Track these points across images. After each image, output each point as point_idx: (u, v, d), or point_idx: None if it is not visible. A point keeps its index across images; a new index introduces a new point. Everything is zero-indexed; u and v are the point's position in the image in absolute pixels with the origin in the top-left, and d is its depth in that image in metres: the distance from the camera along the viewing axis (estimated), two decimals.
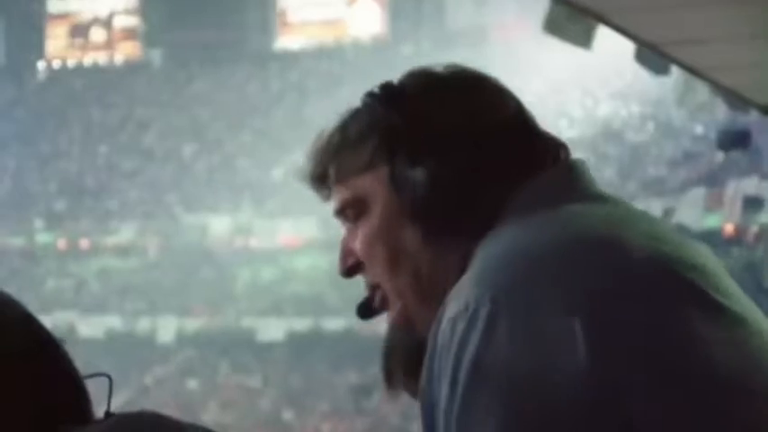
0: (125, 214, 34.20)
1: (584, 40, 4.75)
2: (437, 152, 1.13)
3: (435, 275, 1.14)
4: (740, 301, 1.09)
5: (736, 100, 6.16)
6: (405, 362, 1.66)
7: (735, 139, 12.21)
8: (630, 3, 4.42)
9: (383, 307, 1.20)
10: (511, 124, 1.16)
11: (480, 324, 1.02)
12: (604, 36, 4.78)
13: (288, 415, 27.10)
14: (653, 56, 5.17)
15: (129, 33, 41.27)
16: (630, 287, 1.03)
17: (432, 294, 1.14)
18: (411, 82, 1.19)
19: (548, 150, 1.16)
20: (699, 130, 25.30)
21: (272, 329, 29.47)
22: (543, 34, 4.96)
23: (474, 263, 1.08)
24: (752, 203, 23.23)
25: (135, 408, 1.14)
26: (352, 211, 1.18)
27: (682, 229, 24.07)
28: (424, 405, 1.09)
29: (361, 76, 38.02)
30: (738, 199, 23.67)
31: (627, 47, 5.12)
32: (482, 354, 1.01)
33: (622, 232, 1.07)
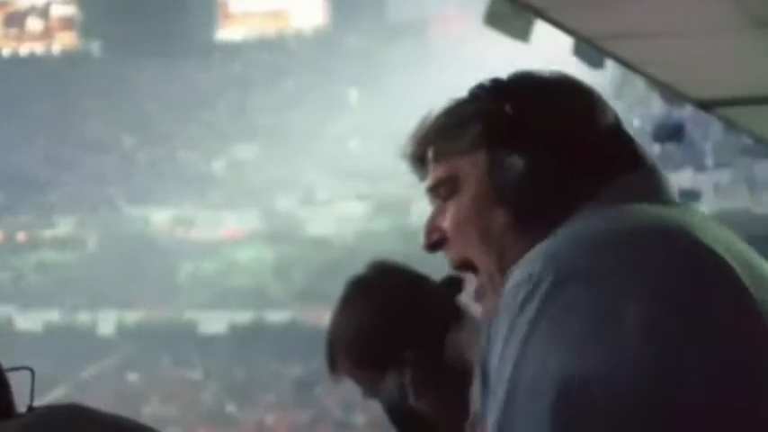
0: (65, 207, 33.76)
1: (522, 33, 4.83)
2: (535, 145, 1.21)
3: (517, 257, 1.19)
4: None
5: (671, 94, 6.30)
6: (353, 350, 1.64)
7: (669, 133, 12.45)
8: None
9: (479, 298, 1.27)
10: (607, 130, 1.24)
11: (541, 293, 1.08)
12: (545, 29, 4.87)
13: (231, 408, 27.02)
14: (590, 50, 5.27)
15: (67, 23, 40.65)
16: (695, 280, 1.07)
17: None
18: (518, 79, 1.28)
19: (634, 155, 1.24)
20: (636, 123, 25.69)
21: (215, 322, 29.33)
22: (484, 27, 5.04)
23: (544, 242, 1.15)
24: (687, 196, 23.65)
25: (73, 402, 1.14)
26: (444, 189, 1.26)
27: None
28: (482, 363, 1.14)
29: (303, 67, 37.93)
30: (675, 191, 24.08)
31: (567, 40, 5.22)
32: (538, 319, 1.07)
33: (691, 230, 1.13)
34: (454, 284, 1.28)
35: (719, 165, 23.47)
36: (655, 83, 5.96)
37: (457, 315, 1.66)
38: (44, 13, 40.93)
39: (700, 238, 1.12)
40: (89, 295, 30.98)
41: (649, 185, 1.23)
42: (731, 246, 1.14)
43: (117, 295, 30.55)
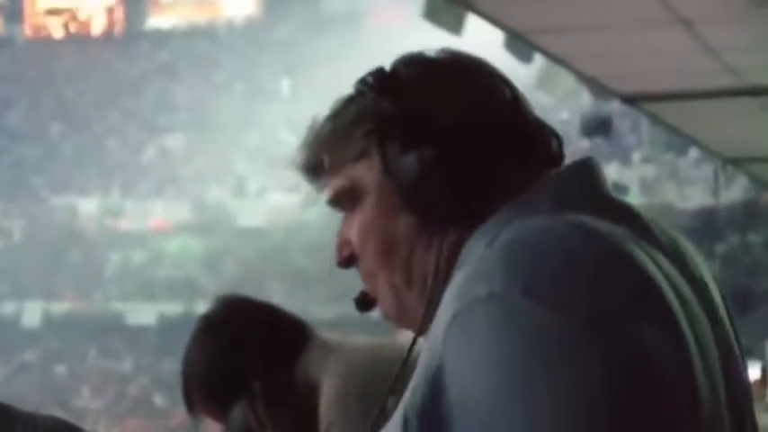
0: None
1: (455, 27, 4.88)
2: (429, 139, 1.10)
3: (424, 263, 1.11)
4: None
5: (598, 88, 6.40)
6: (204, 384, 1.65)
7: (597, 126, 12.63)
8: None
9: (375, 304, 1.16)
10: (506, 113, 1.13)
11: (506, 314, 0.98)
12: (477, 24, 4.92)
13: (159, 400, 26.77)
14: (520, 44, 5.33)
15: None
16: (651, 308, 1.00)
17: (416, 282, 1.12)
18: (404, 68, 1.16)
19: (544, 140, 1.14)
20: (564, 116, 25.99)
21: (143, 314, 29.02)
22: (417, 20, 5.07)
23: (492, 248, 1.04)
24: (614, 190, 24.00)
25: None
26: (346, 200, 1.15)
27: None
28: (416, 408, 1.02)
29: (233, 57, 37.62)
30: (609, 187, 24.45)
31: (498, 34, 5.27)
32: (507, 345, 0.97)
33: (645, 249, 1.05)
34: (366, 302, 1.17)
35: (645, 160, 23.86)
36: (582, 77, 6.04)
37: (306, 340, 1.68)
38: None
39: (649, 270, 1.03)
40: (14, 286, 30.42)
41: (586, 185, 1.12)
42: (678, 252, 1.09)
43: (43, 286, 30.05)
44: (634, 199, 23.95)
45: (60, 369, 28.61)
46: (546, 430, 0.95)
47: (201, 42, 37.29)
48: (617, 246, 1.03)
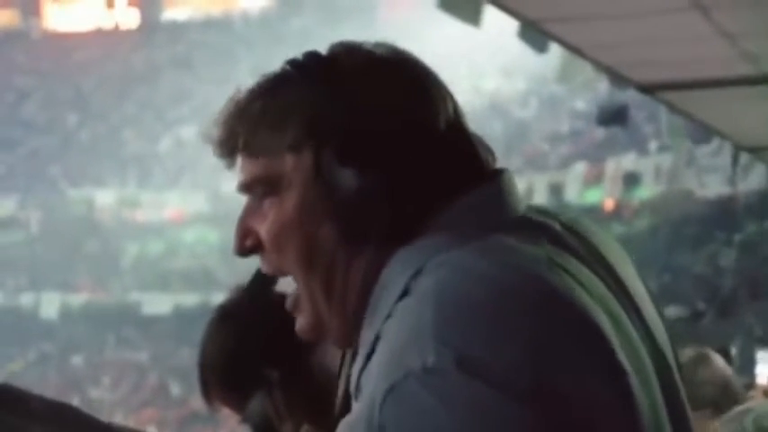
0: (5, 187, 33.22)
1: (473, 17, 4.86)
2: (369, 153, 1.03)
3: (346, 279, 1.06)
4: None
5: (615, 77, 6.36)
6: (221, 374, 1.65)
7: (613, 116, 12.57)
8: None
9: (295, 310, 1.11)
10: (447, 130, 1.07)
11: (440, 391, 0.94)
12: (492, 13, 4.90)
13: (176, 390, 26.87)
14: (535, 34, 5.31)
15: (6, 1, 39.92)
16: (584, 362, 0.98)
17: (339, 298, 1.08)
18: (346, 60, 1.08)
19: (480, 160, 1.09)
20: (581, 106, 25.91)
21: (159, 304, 29.11)
22: (431, 11, 5.05)
23: (420, 295, 1.00)
24: (630, 179, 23.94)
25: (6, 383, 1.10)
26: (262, 188, 1.08)
27: (564, 205, 24.59)
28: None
29: (248, 49, 37.63)
30: (619, 175, 24.34)
31: (513, 24, 5.25)
32: (444, 425, 0.94)
33: (570, 269, 1.02)
34: (266, 281, 1.12)
35: (663, 148, 23.75)
36: (598, 66, 6.01)
37: None
38: None
39: (584, 308, 0.99)
40: (31, 277, 30.57)
41: (498, 202, 1.06)
42: (595, 289, 1.04)
43: (60, 277, 30.19)
44: (650, 188, 23.83)
45: (77, 360, 28.75)
46: None
47: (217, 34, 37.32)
48: (548, 287, 0.99)
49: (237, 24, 37.81)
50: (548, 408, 0.94)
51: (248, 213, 1.11)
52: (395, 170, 1.04)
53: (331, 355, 1.64)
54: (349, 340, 1.09)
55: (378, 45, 1.11)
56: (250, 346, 1.66)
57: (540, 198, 23.85)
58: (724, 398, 2.54)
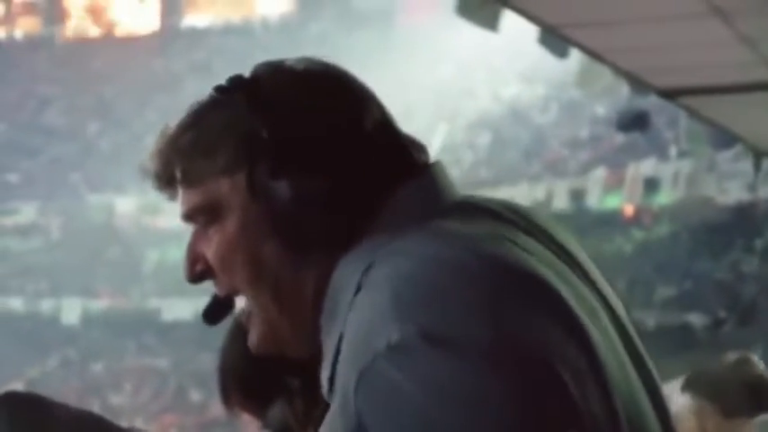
0: (27, 193, 33.44)
1: (491, 23, 4.86)
2: (300, 163, 1.06)
3: (297, 290, 1.08)
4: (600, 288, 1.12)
5: (635, 83, 6.34)
6: (242, 381, 1.65)
7: (633, 121, 12.52)
8: None
9: (248, 324, 1.14)
10: (375, 131, 1.09)
11: (408, 365, 0.96)
12: (511, 18, 4.90)
13: (196, 396, 26.93)
14: (555, 39, 5.30)
15: (29, 8, 40.20)
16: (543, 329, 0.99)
17: (293, 309, 1.09)
18: (268, 79, 1.12)
19: (412, 157, 1.11)
20: (600, 111, 25.82)
21: (179, 310, 29.21)
22: (449, 17, 5.05)
23: (375, 284, 1.02)
24: (650, 185, 23.84)
25: (36, 391, 1.12)
26: (203, 216, 1.11)
27: (584, 211, 24.49)
28: None
29: (268, 55, 37.66)
30: (638, 180, 24.25)
31: (532, 29, 5.25)
32: (418, 398, 0.96)
33: (523, 256, 1.04)
34: (222, 304, 1.14)
35: (683, 154, 23.66)
36: (618, 71, 6.00)
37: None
38: None
39: (527, 265, 1.02)
40: (52, 284, 30.73)
41: (435, 192, 1.09)
42: (545, 257, 1.06)
43: (81, 284, 30.32)
44: (670, 194, 23.72)
45: (98, 366, 28.87)
46: None
47: (237, 40, 37.45)
48: (495, 256, 1.02)
49: (257, 30, 37.94)
50: (513, 363, 0.96)
51: (196, 239, 1.13)
52: (327, 174, 1.07)
53: None
54: (307, 350, 1.11)
55: (299, 60, 1.14)
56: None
57: (561, 203, 23.79)
58: (765, 400, 2.58)
